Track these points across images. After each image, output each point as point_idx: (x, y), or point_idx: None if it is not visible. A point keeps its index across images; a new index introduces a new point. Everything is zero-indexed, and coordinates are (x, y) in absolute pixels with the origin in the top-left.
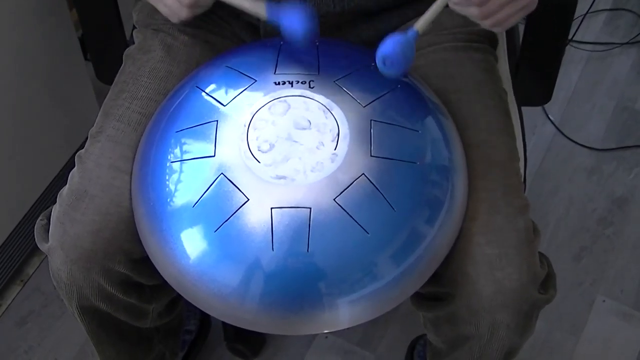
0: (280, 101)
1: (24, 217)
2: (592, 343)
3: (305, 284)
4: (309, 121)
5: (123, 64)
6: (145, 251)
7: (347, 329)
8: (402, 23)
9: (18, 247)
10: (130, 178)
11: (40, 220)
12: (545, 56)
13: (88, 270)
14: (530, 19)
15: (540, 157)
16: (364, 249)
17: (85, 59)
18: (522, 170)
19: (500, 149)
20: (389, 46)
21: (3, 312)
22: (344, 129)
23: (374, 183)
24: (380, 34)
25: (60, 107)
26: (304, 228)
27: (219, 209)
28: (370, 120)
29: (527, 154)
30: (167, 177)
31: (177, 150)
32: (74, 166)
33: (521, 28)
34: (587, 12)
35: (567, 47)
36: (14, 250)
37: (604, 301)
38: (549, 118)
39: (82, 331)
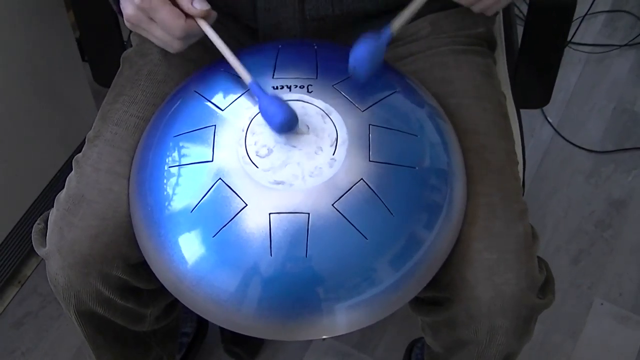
0: None
1: (21, 219)
2: (590, 346)
3: (303, 289)
4: (308, 126)
5: (120, 67)
6: (143, 256)
7: None
8: None
9: (15, 248)
10: (128, 183)
11: (38, 224)
12: (544, 58)
13: (85, 275)
14: (529, 21)
15: (538, 160)
16: (362, 254)
17: (83, 60)
18: (520, 174)
19: (499, 153)
20: (358, 53)
21: (0, 314)
22: (343, 134)
23: (373, 188)
24: None
25: (57, 109)
26: (302, 233)
27: (217, 214)
28: (369, 124)
29: (526, 156)
30: (165, 182)
31: (175, 155)
32: (72, 169)
33: (520, 30)
34: (585, 14)
35: (566, 49)
36: (12, 252)
37: (602, 304)
38: (547, 120)
39: (80, 334)
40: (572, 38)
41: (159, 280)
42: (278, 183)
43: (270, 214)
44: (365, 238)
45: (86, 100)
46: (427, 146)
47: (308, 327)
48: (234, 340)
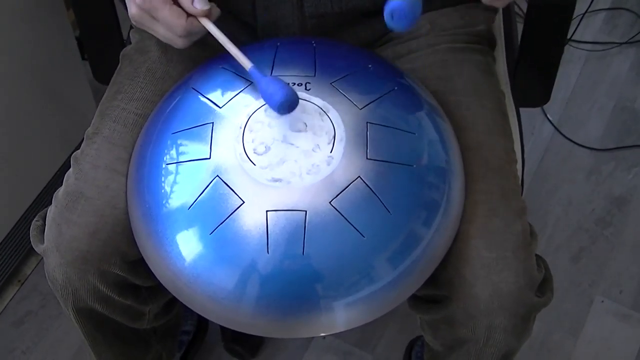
0: None
1: (21, 217)
2: (591, 344)
3: (300, 286)
4: (305, 123)
5: (120, 64)
6: (141, 253)
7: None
8: None
9: (15, 247)
10: (126, 180)
11: (36, 221)
12: (544, 56)
13: (84, 272)
14: (528, 19)
15: (539, 157)
16: (359, 251)
17: (83, 58)
18: (519, 173)
19: (497, 152)
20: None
21: (0, 313)
22: (340, 132)
23: (370, 186)
24: (378, 35)
25: (57, 107)
26: (299, 231)
27: (215, 212)
28: (367, 122)
29: (526, 154)
30: (162, 179)
31: (173, 152)
32: (71, 167)
33: (519, 28)
34: (585, 12)
35: (566, 47)
36: (12, 251)
37: (602, 302)
38: (547, 118)
39: (78, 331)
40: (572, 36)
41: (157, 278)
42: (275, 180)
43: (267, 211)
44: (363, 236)
45: (86, 99)
46: (425, 144)
47: (306, 324)
48: (234, 338)
